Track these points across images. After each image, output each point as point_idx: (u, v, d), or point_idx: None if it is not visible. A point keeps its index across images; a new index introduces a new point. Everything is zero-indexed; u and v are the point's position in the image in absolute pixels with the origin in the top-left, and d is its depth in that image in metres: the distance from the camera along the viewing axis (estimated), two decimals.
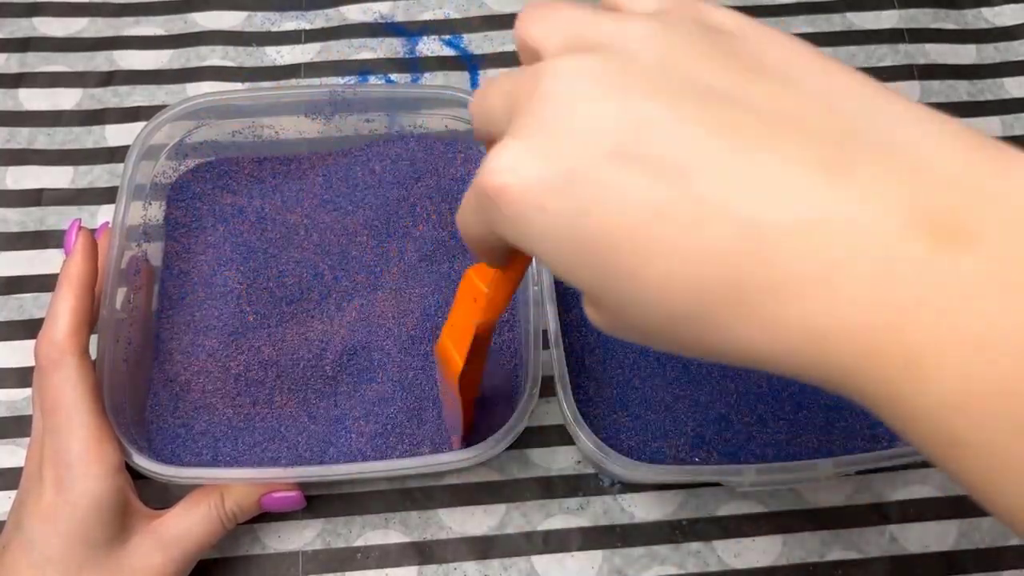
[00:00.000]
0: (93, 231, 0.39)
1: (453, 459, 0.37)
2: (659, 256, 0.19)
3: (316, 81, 0.52)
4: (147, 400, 0.42)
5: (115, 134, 0.50)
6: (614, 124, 0.20)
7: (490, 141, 0.24)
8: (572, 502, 0.43)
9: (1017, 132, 0.52)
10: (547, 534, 0.42)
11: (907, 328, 0.17)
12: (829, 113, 0.19)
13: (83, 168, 0.49)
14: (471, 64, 0.53)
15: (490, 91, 0.24)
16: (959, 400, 0.17)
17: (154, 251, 0.45)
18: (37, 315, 0.46)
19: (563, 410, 0.39)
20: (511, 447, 0.39)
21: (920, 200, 0.17)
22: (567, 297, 0.45)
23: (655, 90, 0.20)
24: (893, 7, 0.55)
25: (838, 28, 0.54)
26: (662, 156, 0.19)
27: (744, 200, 0.18)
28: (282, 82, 0.52)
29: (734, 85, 0.20)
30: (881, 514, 0.43)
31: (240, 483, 0.38)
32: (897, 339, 0.17)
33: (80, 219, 0.41)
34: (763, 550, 0.42)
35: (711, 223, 0.18)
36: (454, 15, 0.54)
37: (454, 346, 0.32)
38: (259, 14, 0.54)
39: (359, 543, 0.42)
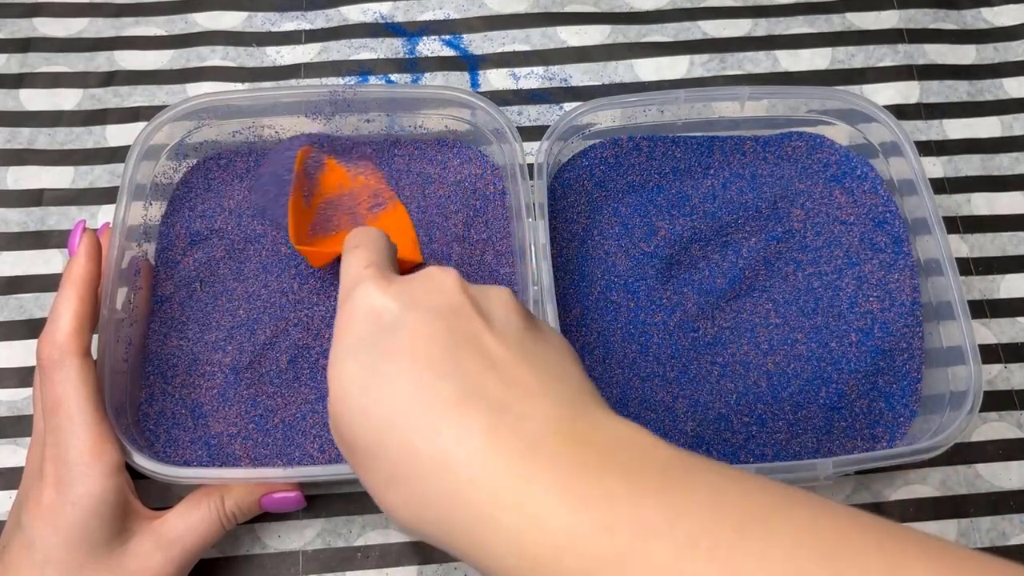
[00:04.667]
0: (95, 231, 0.40)
1: None
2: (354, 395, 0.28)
3: (316, 81, 0.52)
4: (147, 400, 0.42)
5: (116, 134, 0.50)
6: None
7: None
8: None
9: (1016, 132, 0.52)
10: None
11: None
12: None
13: (84, 168, 0.49)
14: (471, 64, 0.53)
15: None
16: (567, 540, 0.23)
17: (154, 251, 0.45)
18: (38, 315, 0.46)
19: None
20: None
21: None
22: (567, 297, 0.45)
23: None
24: (893, 7, 0.55)
25: (838, 28, 0.54)
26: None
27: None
28: (282, 82, 0.52)
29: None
30: (881, 514, 0.43)
31: (240, 483, 0.38)
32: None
33: (85, 220, 0.41)
34: None
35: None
36: (454, 15, 0.54)
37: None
38: (259, 14, 0.54)
39: (359, 543, 0.42)
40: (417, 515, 0.26)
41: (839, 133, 0.48)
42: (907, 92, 0.53)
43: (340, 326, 0.30)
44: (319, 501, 0.42)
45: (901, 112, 0.52)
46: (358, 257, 0.32)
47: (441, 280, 0.30)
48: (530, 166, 0.44)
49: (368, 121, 0.47)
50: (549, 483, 0.24)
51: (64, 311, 0.36)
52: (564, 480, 0.24)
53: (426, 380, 0.27)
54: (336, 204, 0.43)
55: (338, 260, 0.38)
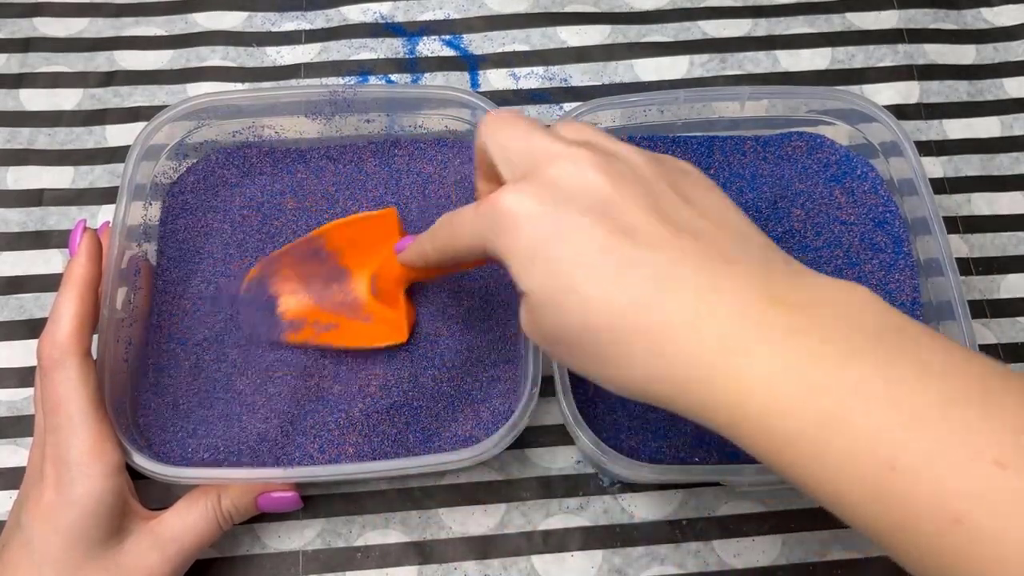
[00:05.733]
0: (95, 231, 0.40)
1: (453, 459, 0.38)
2: (588, 283, 0.27)
3: (316, 81, 0.52)
4: (147, 400, 0.42)
5: (116, 134, 0.50)
6: (600, 196, 0.28)
7: (486, 170, 0.34)
8: (572, 502, 0.43)
9: (1016, 132, 0.52)
10: (547, 534, 0.42)
11: (742, 371, 0.25)
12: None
13: (84, 168, 0.49)
14: (471, 64, 0.53)
15: (512, 142, 0.31)
16: (774, 404, 0.25)
17: (154, 251, 0.45)
18: (38, 315, 0.46)
19: (563, 410, 0.39)
20: (511, 447, 0.39)
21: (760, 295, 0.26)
22: None
23: (632, 190, 0.29)
24: (893, 7, 0.55)
25: (838, 28, 0.54)
26: (619, 221, 0.28)
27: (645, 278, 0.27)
28: (282, 82, 0.52)
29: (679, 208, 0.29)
30: None
31: (239, 483, 0.38)
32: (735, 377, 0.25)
33: (85, 220, 0.41)
34: (763, 550, 0.42)
35: (628, 275, 0.27)
36: (454, 15, 0.54)
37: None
38: (259, 14, 0.54)
39: (359, 543, 0.42)
40: (641, 384, 0.27)
41: (839, 133, 0.48)
42: (907, 92, 0.53)
43: (497, 241, 0.29)
44: (319, 501, 0.42)
45: (901, 112, 0.52)
46: (535, 130, 0.31)
47: (582, 157, 0.30)
48: None
49: (368, 121, 0.47)
50: (758, 347, 0.25)
51: (64, 311, 0.36)
52: (772, 345, 0.25)
53: (640, 255, 0.27)
54: (313, 279, 0.44)
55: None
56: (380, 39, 0.53)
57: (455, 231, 0.33)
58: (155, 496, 0.41)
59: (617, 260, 0.27)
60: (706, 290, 0.26)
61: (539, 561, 0.41)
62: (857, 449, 0.23)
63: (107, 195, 0.48)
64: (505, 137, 0.32)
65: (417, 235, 0.38)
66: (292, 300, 0.44)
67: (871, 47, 0.54)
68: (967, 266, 0.48)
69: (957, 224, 0.49)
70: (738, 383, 0.25)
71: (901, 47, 0.54)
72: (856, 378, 0.24)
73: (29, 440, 0.42)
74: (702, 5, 0.55)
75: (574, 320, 0.28)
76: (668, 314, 0.26)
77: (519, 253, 0.29)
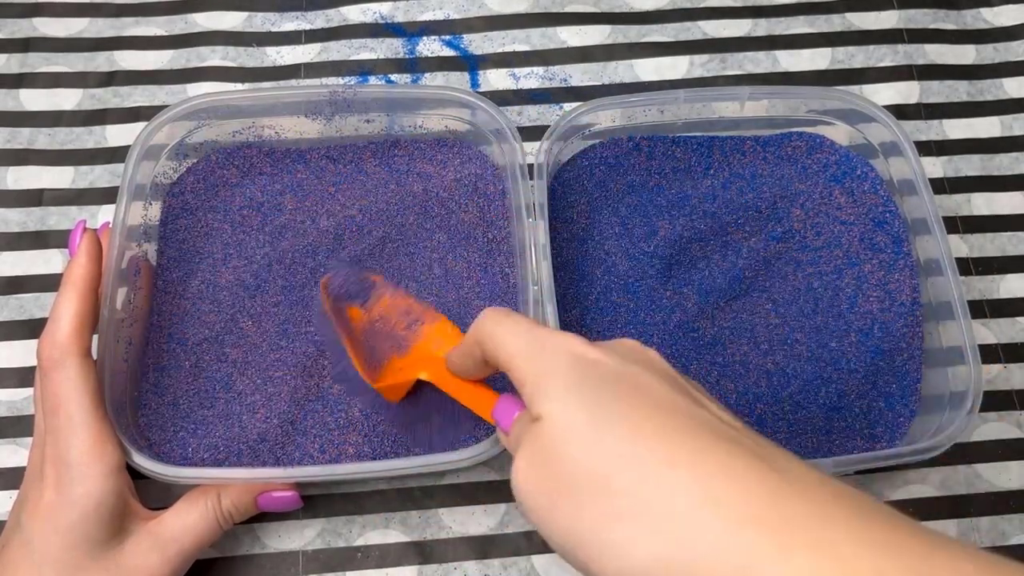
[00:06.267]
0: (95, 231, 0.40)
1: (453, 459, 0.38)
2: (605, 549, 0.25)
3: (316, 81, 0.52)
4: (147, 400, 0.42)
5: (116, 134, 0.50)
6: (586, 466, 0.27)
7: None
8: None
9: (1016, 132, 0.52)
10: None
11: None
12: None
13: (84, 168, 0.49)
14: (471, 64, 0.53)
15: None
16: None
17: (154, 251, 0.45)
18: (38, 315, 0.46)
19: None
20: None
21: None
22: (566, 297, 0.45)
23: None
24: (893, 7, 0.55)
25: (838, 28, 0.54)
26: (620, 491, 0.26)
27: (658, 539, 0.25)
28: (282, 82, 0.52)
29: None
30: None
31: (239, 483, 0.38)
32: None
33: (85, 220, 0.41)
34: None
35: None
36: (454, 15, 0.54)
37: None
38: (259, 15, 0.54)
39: (359, 543, 0.42)
40: (640, 553, 0.25)
41: (839, 133, 0.48)
42: (907, 92, 0.53)
43: (538, 366, 0.29)
44: (319, 501, 0.42)
45: (901, 112, 0.52)
46: (512, 317, 0.32)
47: (645, 350, 0.31)
48: (530, 166, 0.44)
49: (368, 121, 0.47)
50: (773, 549, 0.23)
51: (64, 311, 0.36)
52: (792, 547, 0.23)
53: (659, 425, 0.26)
54: (374, 333, 0.41)
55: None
56: (380, 39, 0.53)
57: (460, 367, 0.36)
58: (155, 496, 0.41)
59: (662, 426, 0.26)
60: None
61: (539, 561, 0.41)
62: None
63: (107, 195, 0.48)
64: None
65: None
66: (355, 345, 0.41)
67: (871, 47, 0.54)
68: (967, 266, 0.48)
69: (957, 224, 0.49)
70: None
71: (901, 47, 0.54)
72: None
73: (29, 440, 0.42)
74: (702, 5, 0.55)
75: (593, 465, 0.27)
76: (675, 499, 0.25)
77: (530, 516, 0.28)
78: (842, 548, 0.23)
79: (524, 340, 0.31)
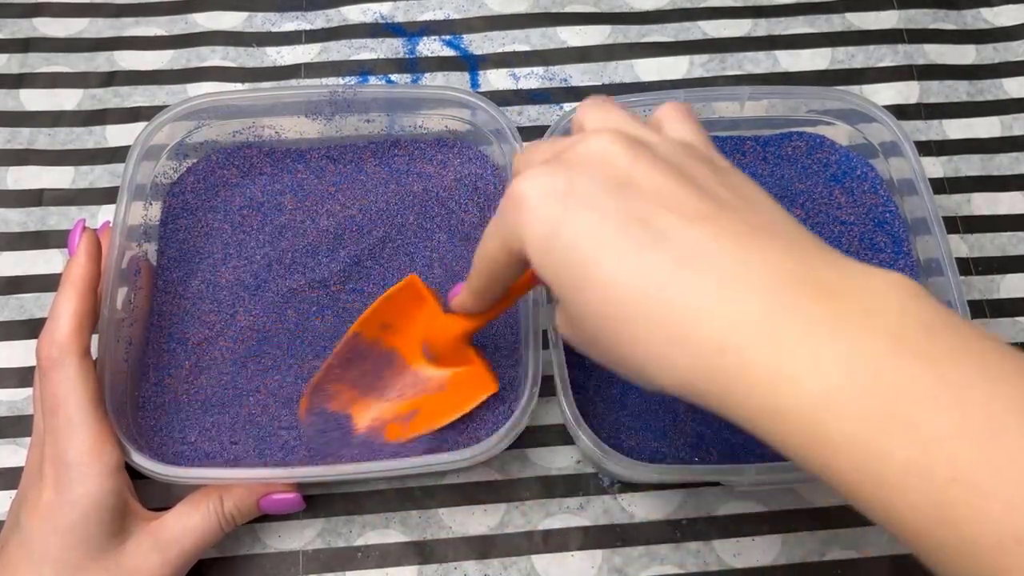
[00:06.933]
0: (95, 231, 0.40)
1: (453, 459, 0.38)
2: (604, 265, 0.25)
3: (316, 81, 0.52)
4: (147, 400, 0.42)
5: (116, 134, 0.50)
6: (619, 172, 0.27)
7: None
8: (572, 502, 0.43)
9: (1016, 132, 0.52)
10: (547, 533, 0.42)
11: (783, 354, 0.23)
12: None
13: (84, 168, 0.49)
14: (471, 64, 0.53)
15: (538, 146, 0.30)
16: (824, 400, 0.22)
17: (154, 251, 0.45)
18: (38, 315, 0.46)
19: (563, 410, 0.39)
20: (511, 447, 0.39)
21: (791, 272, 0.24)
22: None
23: (657, 166, 0.27)
24: (892, 7, 0.55)
25: (838, 28, 0.54)
26: (642, 196, 0.26)
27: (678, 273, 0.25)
28: (282, 82, 0.52)
29: (718, 189, 0.27)
30: None
31: (240, 483, 0.38)
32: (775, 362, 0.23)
33: (84, 219, 0.41)
34: (763, 550, 0.42)
35: (647, 254, 0.25)
36: (454, 15, 0.54)
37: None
38: (259, 15, 0.54)
39: (359, 543, 0.42)
40: (667, 375, 0.25)
41: (839, 133, 0.48)
42: (907, 92, 0.53)
43: (574, 165, 0.27)
44: (319, 501, 0.42)
45: (901, 112, 0.52)
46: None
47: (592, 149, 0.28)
48: None
49: (368, 121, 0.47)
50: (801, 336, 0.23)
51: (64, 311, 0.36)
52: (818, 334, 0.23)
53: (670, 233, 0.25)
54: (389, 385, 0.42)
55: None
56: (380, 39, 0.53)
57: (485, 244, 0.31)
58: (155, 496, 0.41)
59: (637, 238, 0.25)
60: (736, 268, 0.24)
61: (539, 561, 0.41)
62: (921, 460, 0.21)
63: (107, 195, 0.48)
64: (531, 150, 0.31)
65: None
66: (358, 410, 0.42)
67: (871, 47, 0.54)
68: (967, 266, 0.48)
69: (957, 224, 0.49)
70: (775, 374, 0.23)
71: (901, 47, 0.54)
72: (915, 378, 0.22)
73: (28, 440, 0.42)
74: (702, 5, 0.55)
75: (592, 309, 0.26)
76: (691, 296, 0.24)
77: (535, 240, 0.27)
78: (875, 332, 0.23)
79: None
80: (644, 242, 0.25)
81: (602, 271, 0.25)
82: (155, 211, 0.45)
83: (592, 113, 0.30)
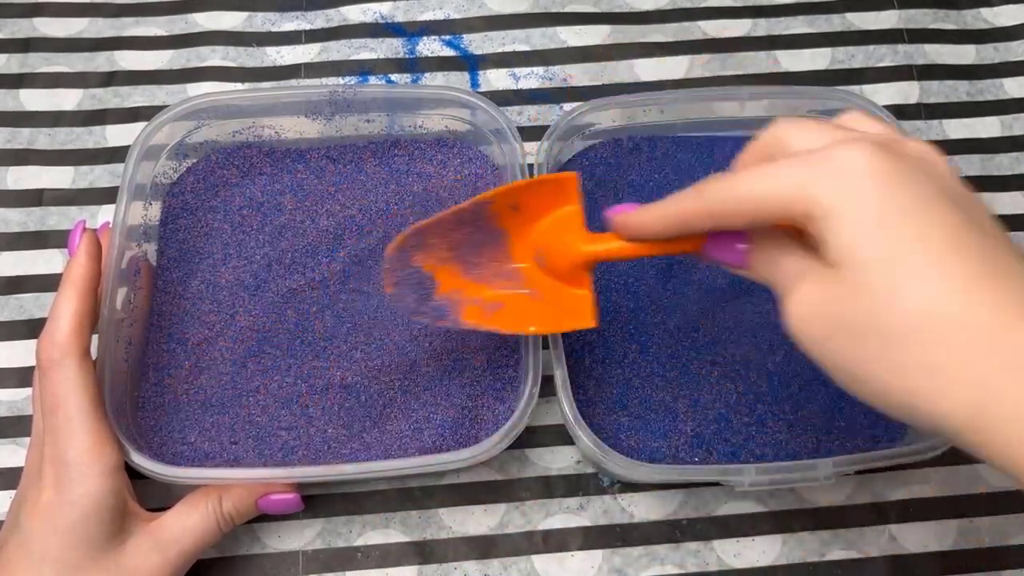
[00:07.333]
0: (95, 231, 0.40)
1: (453, 459, 0.38)
2: (944, 273, 0.24)
3: (316, 81, 0.52)
4: (147, 400, 0.42)
5: (116, 134, 0.50)
6: (951, 185, 0.27)
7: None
8: (572, 502, 0.43)
9: (1016, 132, 0.52)
10: (547, 534, 0.42)
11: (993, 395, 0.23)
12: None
13: (84, 168, 0.49)
14: (471, 64, 0.53)
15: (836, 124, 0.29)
16: None
17: (154, 251, 0.45)
18: (38, 315, 0.46)
19: (563, 410, 0.39)
20: (511, 447, 0.39)
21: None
22: None
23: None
24: (892, 7, 0.55)
25: (838, 28, 0.54)
26: (974, 218, 0.26)
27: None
28: (282, 82, 0.52)
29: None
30: (881, 514, 0.43)
31: (239, 483, 0.38)
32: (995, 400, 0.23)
33: (85, 220, 0.41)
34: (763, 550, 0.42)
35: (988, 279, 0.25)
36: (454, 15, 0.54)
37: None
38: (259, 14, 0.54)
39: (359, 543, 0.42)
40: (949, 403, 0.24)
41: None
42: (907, 92, 0.53)
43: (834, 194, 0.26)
44: (319, 501, 0.42)
45: (901, 112, 0.52)
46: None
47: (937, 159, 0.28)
48: (530, 166, 0.44)
49: (368, 121, 0.47)
50: None
51: (64, 311, 0.36)
52: None
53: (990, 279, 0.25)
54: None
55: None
56: (380, 39, 0.53)
57: (749, 184, 0.27)
58: (155, 496, 0.41)
59: (980, 258, 0.24)
60: None
61: (539, 561, 0.41)
62: None
63: (107, 195, 0.48)
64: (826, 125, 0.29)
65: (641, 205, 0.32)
66: (444, 275, 0.38)
67: (871, 47, 0.54)
68: None
69: None
70: None
71: (901, 47, 0.54)
72: None
73: (28, 440, 0.42)
74: (702, 5, 0.55)
75: (908, 307, 0.24)
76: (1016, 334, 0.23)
77: (860, 213, 0.25)
78: None
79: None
80: (982, 273, 0.24)
81: (937, 279, 0.24)
82: (155, 211, 0.45)
83: (875, 126, 0.29)
